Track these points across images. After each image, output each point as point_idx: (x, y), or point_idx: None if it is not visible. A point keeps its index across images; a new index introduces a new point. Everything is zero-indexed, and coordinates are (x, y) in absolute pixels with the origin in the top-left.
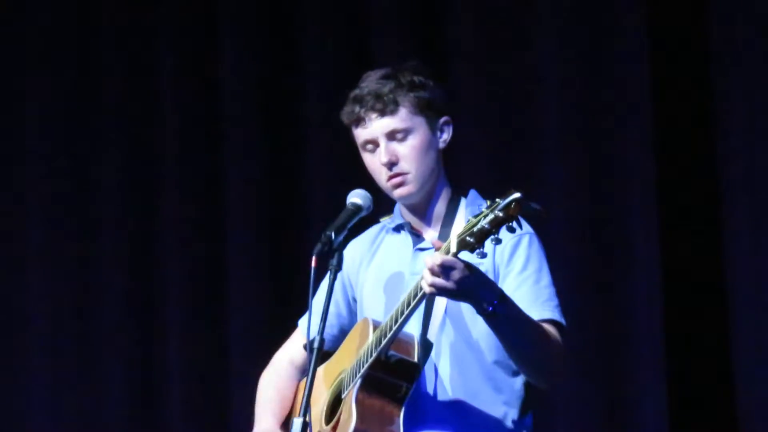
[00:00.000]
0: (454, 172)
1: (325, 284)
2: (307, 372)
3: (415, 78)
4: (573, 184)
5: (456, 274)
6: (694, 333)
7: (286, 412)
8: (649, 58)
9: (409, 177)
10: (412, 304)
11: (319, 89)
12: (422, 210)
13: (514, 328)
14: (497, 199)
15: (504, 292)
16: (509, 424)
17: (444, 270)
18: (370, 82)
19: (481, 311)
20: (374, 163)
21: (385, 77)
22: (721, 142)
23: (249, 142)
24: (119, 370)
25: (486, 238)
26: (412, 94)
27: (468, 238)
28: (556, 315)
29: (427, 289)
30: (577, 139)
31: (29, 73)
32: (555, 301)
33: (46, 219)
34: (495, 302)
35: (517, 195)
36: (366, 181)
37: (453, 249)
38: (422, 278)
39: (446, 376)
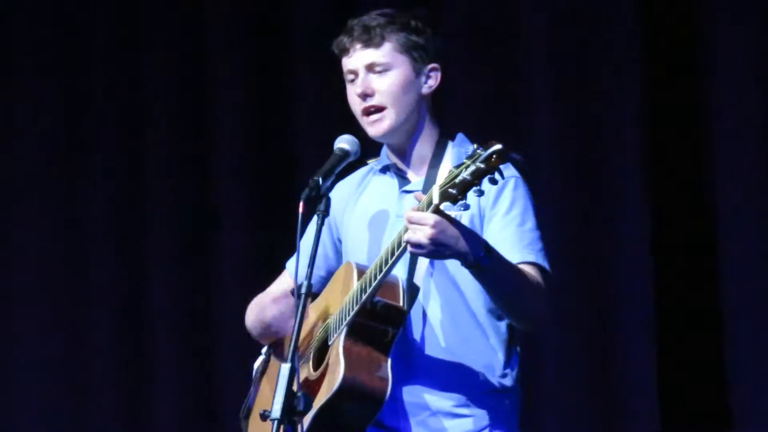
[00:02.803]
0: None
1: (312, 229)
2: (294, 317)
3: (412, 21)
4: (561, 135)
5: (435, 231)
6: (684, 290)
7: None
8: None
9: (385, 113)
10: (397, 253)
11: (306, 33)
12: (405, 151)
13: (500, 278)
14: (478, 150)
15: (489, 245)
16: (497, 368)
17: (423, 225)
18: (366, 16)
19: (466, 265)
20: (352, 94)
21: (382, 14)
22: (713, 91)
23: (237, 84)
24: (106, 313)
25: (468, 189)
26: (401, 33)
27: (450, 190)
28: (539, 259)
29: (409, 249)
30: (565, 88)
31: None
32: (539, 245)
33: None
34: (481, 255)
35: (498, 146)
36: (354, 126)
37: (435, 200)
38: (405, 230)
39: (436, 321)
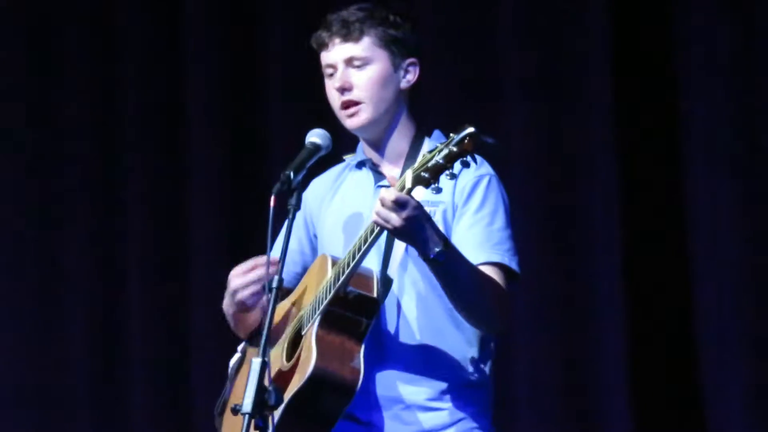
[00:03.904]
0: (419, 116)
1: (285, 224)
2: (266, 311)
3: (391, 15)
4: (532, 131)
5: (406, 212)
6: (654, 287)
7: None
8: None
9: (362, 107)
10: (369, 239)
11: (280, 29)
12: (381, 146)
13: (455, 276)
14: (451, 134)
15: (449, 241)
16: (471, 362)
17: (396, 206)
18: (345, 10)
19: (424, 256)
20: (330, 88)
21: (360, 9)
22: (682, 86)
23: (211, 86)
24: (81, 315)
25: (441, 173)
26: (380, 28)
27: (423, 174)
28: (505, 259)
29: (373, 217)
30: (537, 85)
31: None
32: (506, 245)
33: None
34: (437, 250)
35: (471, 129)
36: (327, 121)
37: (408, 185)
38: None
39: (410, 314)
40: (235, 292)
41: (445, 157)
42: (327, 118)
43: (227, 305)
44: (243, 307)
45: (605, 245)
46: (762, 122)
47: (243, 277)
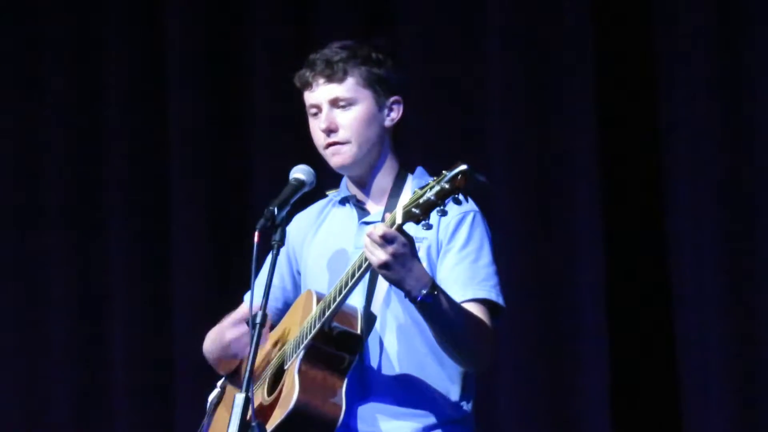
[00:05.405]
0: (401, 148)
1: (269, 260)
2: (249, 347)
3: (373, 54)
4: (516, 162)
5: (393, 248)
6: (636, 310)
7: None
8: (593, 29)
9: (346, 147)
10: (356, 275)
11: (266, 63)
12: (365, 183)
13: (442, 318)
14: (444, 171)
15: (436, 283)
16: (453, 398)
17: (383, 241)
18: (328, 49)
19: (411, 298)
20: (315, 128)
21: (343, 47)
22: (664, 111)
23: (195, 111)
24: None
25: (432, 209)
26: (364, 67)
27: (414, 210)
28: (491, 295)
29: (366, 255)
30: (520, 118)
31: None
32: (492, 281)
33: None
34: (425, 292)
35: (463, 167)
36: (311, 156)
37: (399, 220)
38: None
39: (392, 350)
40: (230, 343)
41: (437, 194)
42: (312, 151)
43: (213, 350)
44: (232, 356)
45: (589, 272)
46: (748, 141)
47: (237, 329)
